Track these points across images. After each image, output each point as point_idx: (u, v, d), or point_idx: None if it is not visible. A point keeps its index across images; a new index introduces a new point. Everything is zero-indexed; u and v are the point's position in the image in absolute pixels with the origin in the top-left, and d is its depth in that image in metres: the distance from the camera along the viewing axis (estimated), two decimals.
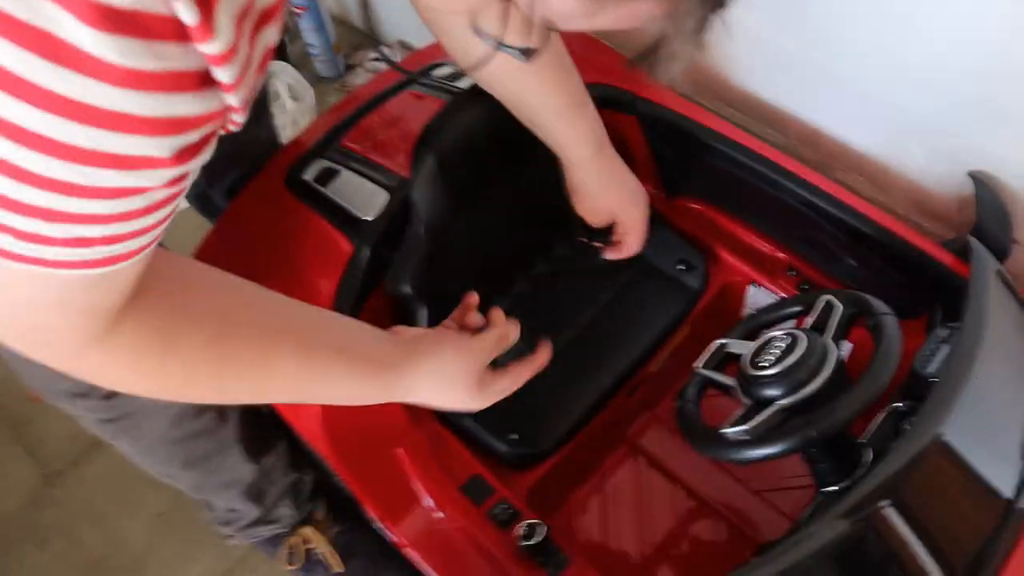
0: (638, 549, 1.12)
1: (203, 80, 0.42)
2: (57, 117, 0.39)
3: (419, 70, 1.25)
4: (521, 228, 1.15)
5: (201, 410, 1.02)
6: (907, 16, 0.96)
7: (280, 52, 1.91)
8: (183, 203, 0.53)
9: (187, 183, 0.49)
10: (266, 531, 1.21)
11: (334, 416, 1.03)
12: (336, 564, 1.22)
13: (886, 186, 1.12)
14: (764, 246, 1.19)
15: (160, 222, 0.50)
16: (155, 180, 0.45)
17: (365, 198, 1.08)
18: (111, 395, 0.93)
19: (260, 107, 1.23)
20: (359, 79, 1.90)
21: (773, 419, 0.79)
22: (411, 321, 1.04)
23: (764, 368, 0.81)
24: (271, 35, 0.48)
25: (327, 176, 1.13)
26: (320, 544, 1.22)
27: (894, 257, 1.00)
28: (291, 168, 1.15)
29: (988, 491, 0.80)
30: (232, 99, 0.45)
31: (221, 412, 1.05)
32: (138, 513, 1.42)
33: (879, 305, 0.83)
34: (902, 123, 1.06)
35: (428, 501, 1.09)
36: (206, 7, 0.39)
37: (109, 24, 0.37)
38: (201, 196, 1.32)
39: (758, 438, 0.78)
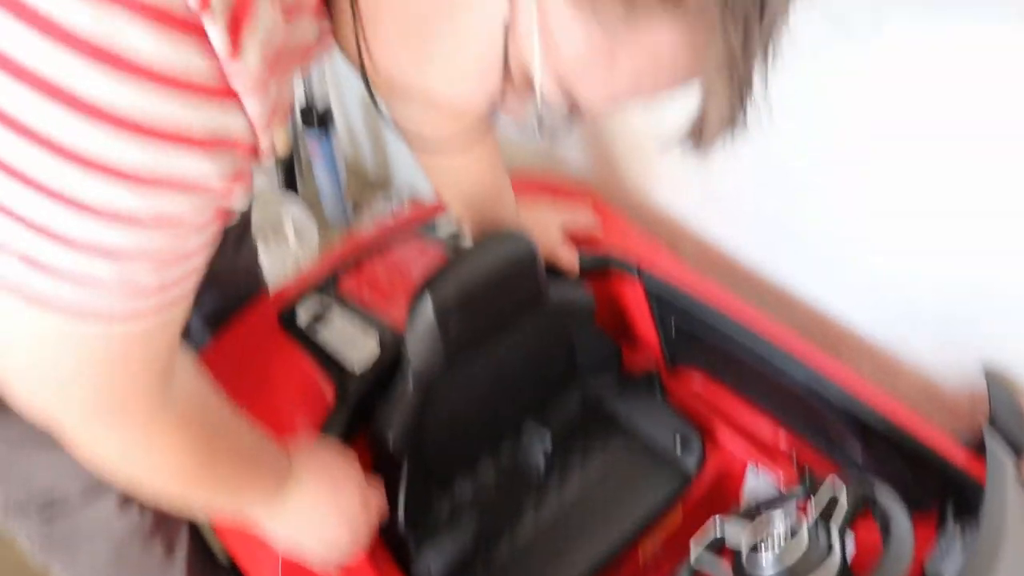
0: None
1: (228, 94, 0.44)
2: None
3: (425, 222, 1.25)
4: (515, 389, 1.10)
5: (149, 538, 0.94)
6: (918, 201, 0.96)
7: (291, 184, 1.93)
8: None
9: (215, 239, 0.52)
10: None
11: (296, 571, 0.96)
12: None
13: (894, 373, 1.09)
14: (765, 427, 1.14)
15: (196, 271, 0.52)
16: (203, 208, 0.46)
17: (356, 346, 1.05)
18: (50, 512, 0.87)
19: (240, 235, 1.21)
20: (366, 226, 1.91)
21: None
22: (392, 475, 0.98)
23: (762, 564, 0.75)
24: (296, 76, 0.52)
25: (321, 319, 1.10)
26: None
27: (902, 449, 0.95)
28: (286, 306, 1.13)
29: None
30: (262, 138, 0.46)
31: (169, 541, 0.97)
32: None
33: (889, 497, 0.78)
34: (911, 309, 1.04)
35: None
36: (234, 28, 0.41)
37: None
38: None
39: None
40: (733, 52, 0.43)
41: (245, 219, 1.21)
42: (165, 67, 0.39)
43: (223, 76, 0.42)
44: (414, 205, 1.34)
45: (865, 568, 0.73)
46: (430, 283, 0.91)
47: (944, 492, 0.95)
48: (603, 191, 1.34)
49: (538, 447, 1.12)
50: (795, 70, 0.49)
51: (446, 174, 1.02)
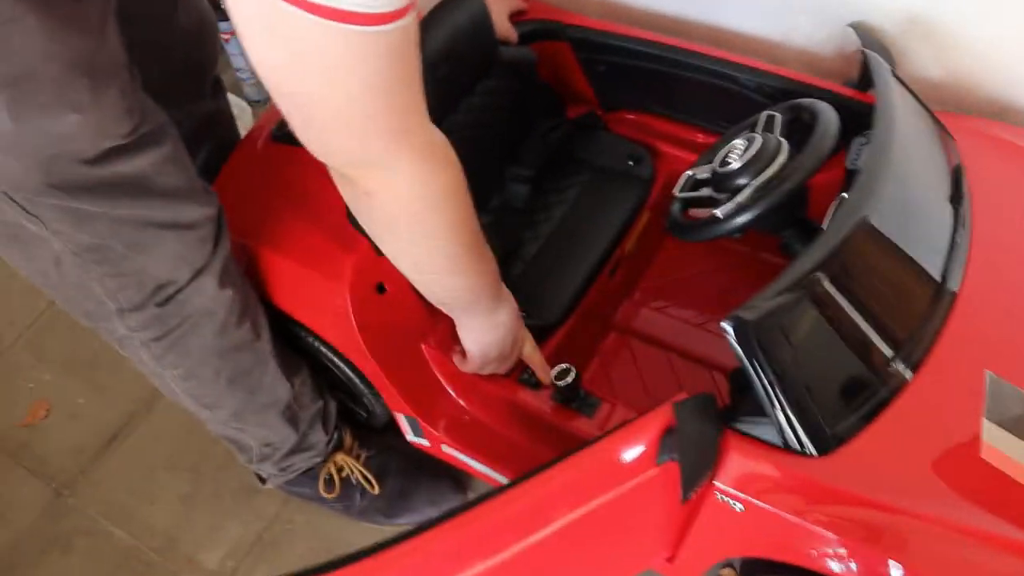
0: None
1: None
2: None
3: None
4: (491, 140, 1.30)
5: (241, 319, 1.07)
6: None
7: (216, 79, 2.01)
8: None
9: None
10: (302, 460, 1.28)
11: (365, 321, 1.13)
12: (373, 485, 1.30)
13: (782, 59, 1.33)
14: (697, 134, 1.37)
15: None
16: None
17: None
18: (164, 302, 0.99)
19: (217, 85, 1.34)
20: None
21: (748, 195, 0.96)
22: None
23: (732, 167, 0.99)
24: None
25: None
26: (354, 468, 1.30)
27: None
28: (276, 126, 1.27)
29: (918, 272, 0.93)
30: None
31: (255, 326, 1.11)
32: (160, 499, 1.46)
33: (811, 100, 1.02)
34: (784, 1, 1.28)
35: (452, 391, 1.21)
36: None
37: None
38: None
39: (739, 209, 0.95)
40: None
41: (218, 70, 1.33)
42: None
43: None
44: None
45: None
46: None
47: (848, 132, 1.19)
48: None
49: (522, 184, 1.33)
50: None
51: None
